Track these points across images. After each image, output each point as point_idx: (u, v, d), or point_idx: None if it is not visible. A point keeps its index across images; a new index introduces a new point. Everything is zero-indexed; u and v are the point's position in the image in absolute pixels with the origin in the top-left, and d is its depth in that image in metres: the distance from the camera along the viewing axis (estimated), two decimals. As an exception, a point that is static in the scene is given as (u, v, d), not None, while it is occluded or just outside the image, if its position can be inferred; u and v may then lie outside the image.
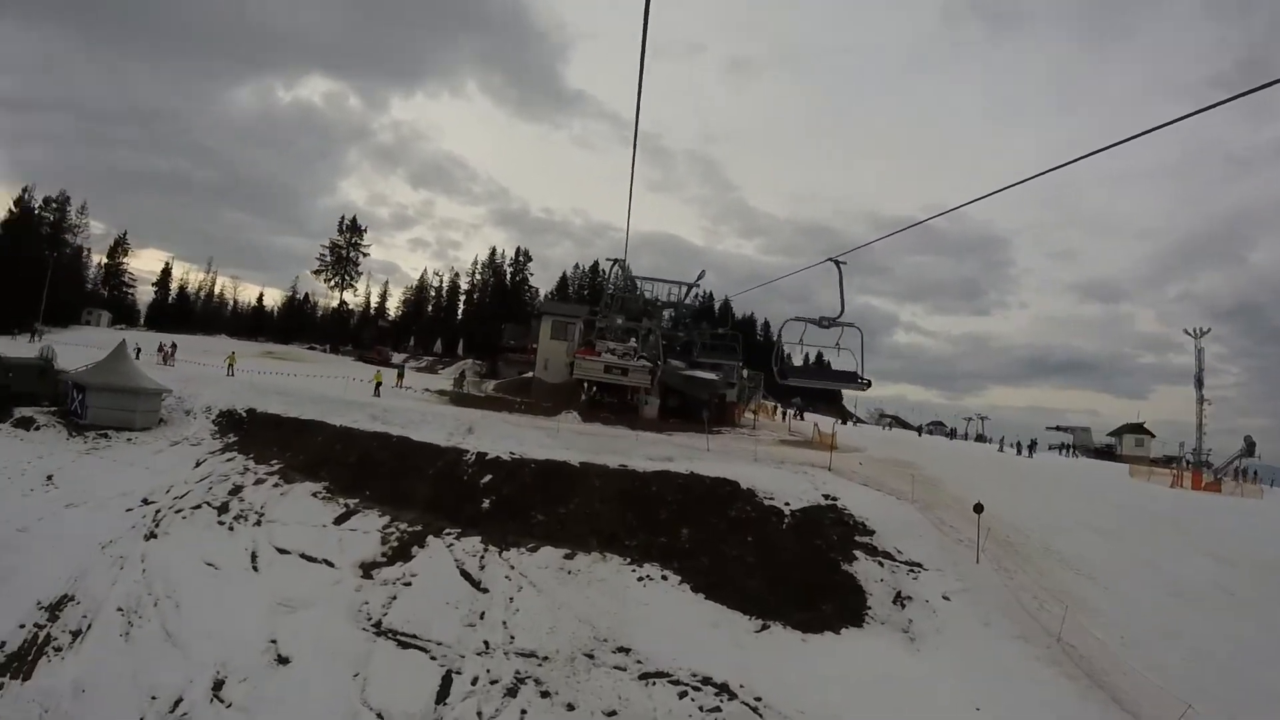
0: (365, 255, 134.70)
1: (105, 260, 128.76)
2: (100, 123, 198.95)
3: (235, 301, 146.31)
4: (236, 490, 34.00)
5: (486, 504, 32.28)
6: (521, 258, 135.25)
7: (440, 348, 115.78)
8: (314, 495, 33.46)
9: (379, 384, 55.78)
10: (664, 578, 27.58)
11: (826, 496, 32.27)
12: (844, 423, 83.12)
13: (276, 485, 34.69)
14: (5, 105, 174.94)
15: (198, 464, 37.91)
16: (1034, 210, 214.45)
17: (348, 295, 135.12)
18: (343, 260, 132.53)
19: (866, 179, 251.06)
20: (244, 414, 43.92)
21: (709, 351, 58.31)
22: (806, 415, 74.91)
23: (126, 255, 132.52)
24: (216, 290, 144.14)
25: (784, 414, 73.38)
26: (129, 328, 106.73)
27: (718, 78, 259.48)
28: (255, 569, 27.55)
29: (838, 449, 42.98)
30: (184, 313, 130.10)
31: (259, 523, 30.86)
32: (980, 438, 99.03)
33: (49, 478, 36.63)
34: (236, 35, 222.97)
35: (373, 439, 38.44)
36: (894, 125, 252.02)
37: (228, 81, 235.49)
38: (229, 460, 38.35)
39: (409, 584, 27.17)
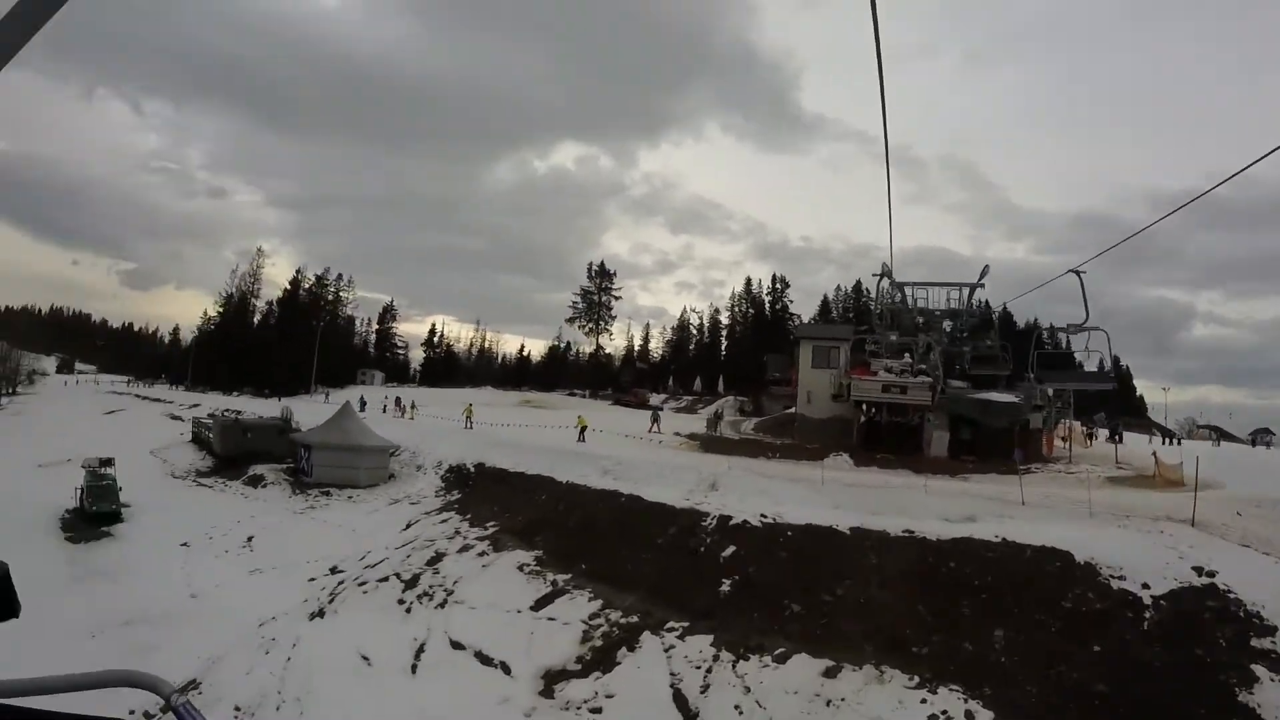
0: (617, 299, 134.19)
1: (377, 326, 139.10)
2: (376, 210, 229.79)
3: (502, 355, 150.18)
4: (436, 559, 30.09)
5: (726, 586, 24.03)
6: (779, 285, 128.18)
7: (700, 385, 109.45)
8: (520, 568, 28.05)
9: (583, 429, 50.99)
10: (970, 718, 18.08)
11: (1199, 571, 21.12)
12: (1166, 441, 69.30)
13: (482, 554, 30.09)
14: (292, 204, 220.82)
15: (408, 525, 35.75)
16: None
17: (605, 339, 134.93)
18: (595, 305, 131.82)
19: (1137, 155, 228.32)
20: (472, 469, 41.40)
21: (977, 364, 47.68)
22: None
23: (395, 320, 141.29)
24: (485, 345, 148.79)
25: (1090, 436, 61.41)
26: (400, 384, 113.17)
27: (955, 75, 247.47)
28: (413, 670, 22.69)
29: (1184, 484, 32.23)
30: (450, 368, 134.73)
31: (444, 603, 26.19)
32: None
33: (249, 539, 36.49)
34: (491, 119, 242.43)
35: (598, 499, 32.12)
36: (1152, 90, 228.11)
37: (487, 161, 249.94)
38: (442, 521, 35.44)
39: (598, 711, 20.13)
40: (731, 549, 25.54)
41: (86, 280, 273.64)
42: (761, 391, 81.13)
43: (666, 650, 21.49)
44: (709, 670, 20.46)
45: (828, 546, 24.36)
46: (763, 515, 26.65)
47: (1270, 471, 40.43)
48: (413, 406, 70.13)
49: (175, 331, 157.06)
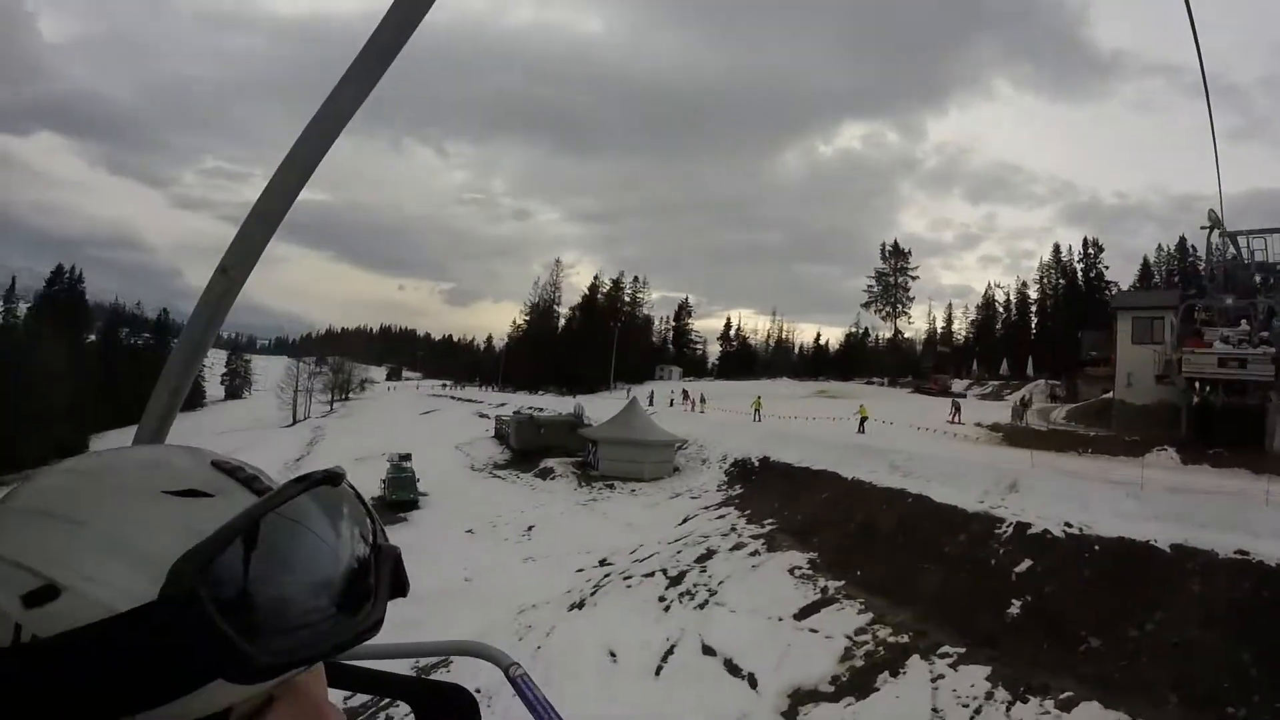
0: (914, 279, 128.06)
1: (673, 323, 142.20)
2: (670, 215, 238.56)
3: (799, 345, 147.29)
4: (706, 557, 29.24)
5: (1015, 609, 20.95)
6: (1091, 250, 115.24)
7: (1007, 369, 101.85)
8: (791, 571, 26.54)
9: (863, 419, 48.59)
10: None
11: None
12: None
13: (754, 554, 28.89)
14: (590, 218, 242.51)
15: (684, 520, 35.68)
16: None
17: (903, 323, 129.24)
18: (891, 288, 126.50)
19: None
20: (756, 464, 40.39)
21: None
22: None
23: (691, 317, 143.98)
24: (782, 336, 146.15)
25: None
26: (697, 379, 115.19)
27: None
28: (657, 672, 21.65)
29: None
30: (746, 360, 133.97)
31: (704, 604, 25.20)
32: None
33: (529, 528, 38.16)
34: (769, 111, 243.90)
35: (882, 499, 29.72)
36: None
37: (772, 153, 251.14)
38: (719, 517, 34.74)
39: (845, 741, 17.94)
40: (1026, 564, 22.37)
41: (412, 301, 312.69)
42: (1076, 373, 73.66)
43: (934, 680, 18.88)
44: (978, 711, 17.69)
45: (1141, 567, 20.59)
46: (1067, 525, 23.16)
47: None
48: (701, 400, 69.55)
49: (489, 339, 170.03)
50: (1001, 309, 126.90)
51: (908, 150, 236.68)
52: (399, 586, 0.85)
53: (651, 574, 28.17)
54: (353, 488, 0.84)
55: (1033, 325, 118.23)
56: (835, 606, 23.37)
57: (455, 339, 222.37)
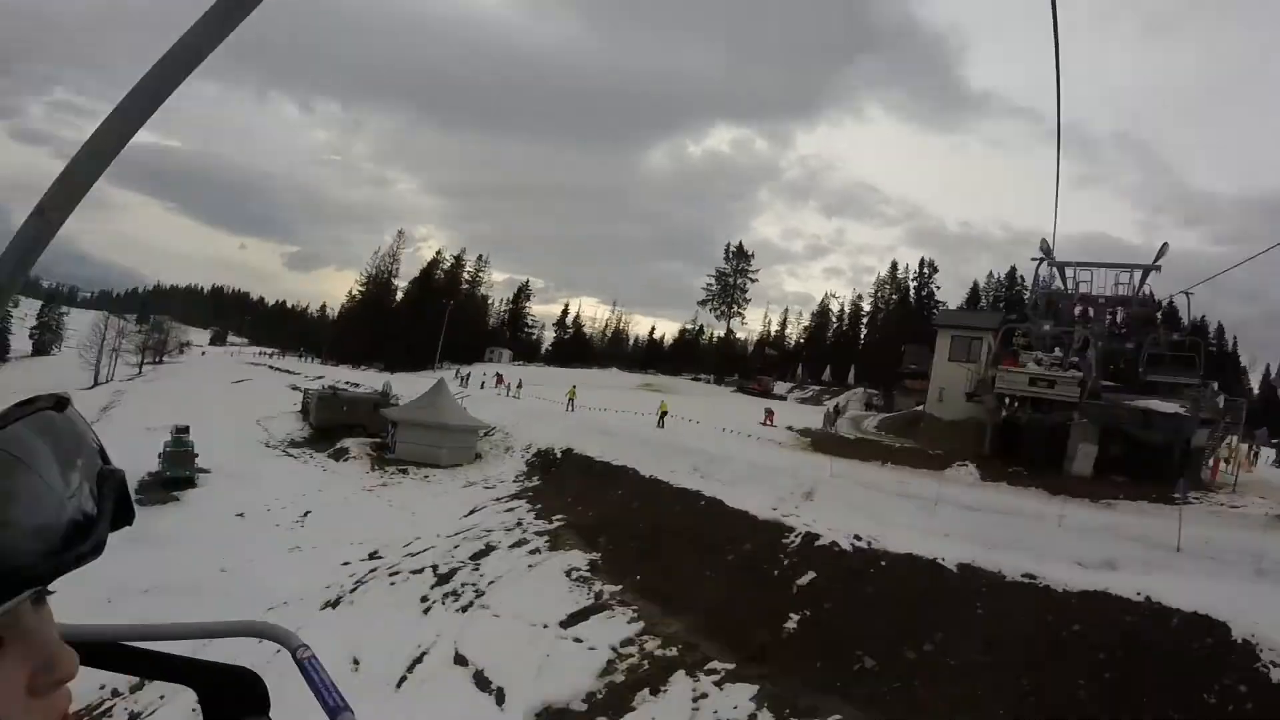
0: (753, 281, 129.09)
1: (510, 305, 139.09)
2: (536, 199, 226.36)
3: (635, 337, 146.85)
4: (483, 554, 26.92)
5: (793, 623, 19.30)
6: (926, 269, 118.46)
7: (830, 375, 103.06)
8: (569, 573, 24.40)
9: (664, 414, 47.55)
10: None
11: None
12: None
13: (534, 552, 26.72)
14: (452, 192, 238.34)
15: (471, 511, 33.38)
16: None
17: (737, 324, 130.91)
18: (729, 288, 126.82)
19: None
20: (559, 455, 38.77)
21: (1155, 367, 39.53)
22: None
23: (529, 300, 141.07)
24: (620, 327, 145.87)
25: (1255, 456, 52.70)
26: (528, 363, 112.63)
27: (1135, 46, 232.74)
28: (399, 684, 19.09)
29: None
30: (581, 349, 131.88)
31: (468, 607, 22.80)
32: None
33: (305, 514, 35.56)
34: (647, 105, 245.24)
35: (676, 499, 28.20)
36: None
37: (644, 148, 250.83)
38: (508, 510, 32.72)
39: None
40: (810, 575, 20.84)
41: (253, 262, 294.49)
42: (895, 385, 74.91)
43: (696, 700, 16.97)
44: (736, 736, 15.80)
45: (927, 586, 19.26)
46: (856, 537, 21.78)
47: None
48: (518, 385, 66.79)
49: (323, 308, 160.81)
50: (835, 318, 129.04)
51: (773, 159, 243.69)
52: (124, 514, 0.82)
53: (421, 570, 25.82)
54: (80, 415, 0.82)
55: (862, 336, 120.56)
56: (606, 614, 21.37)
57: (289, 305, 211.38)
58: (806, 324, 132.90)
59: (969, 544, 20.56)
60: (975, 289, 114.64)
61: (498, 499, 34.76)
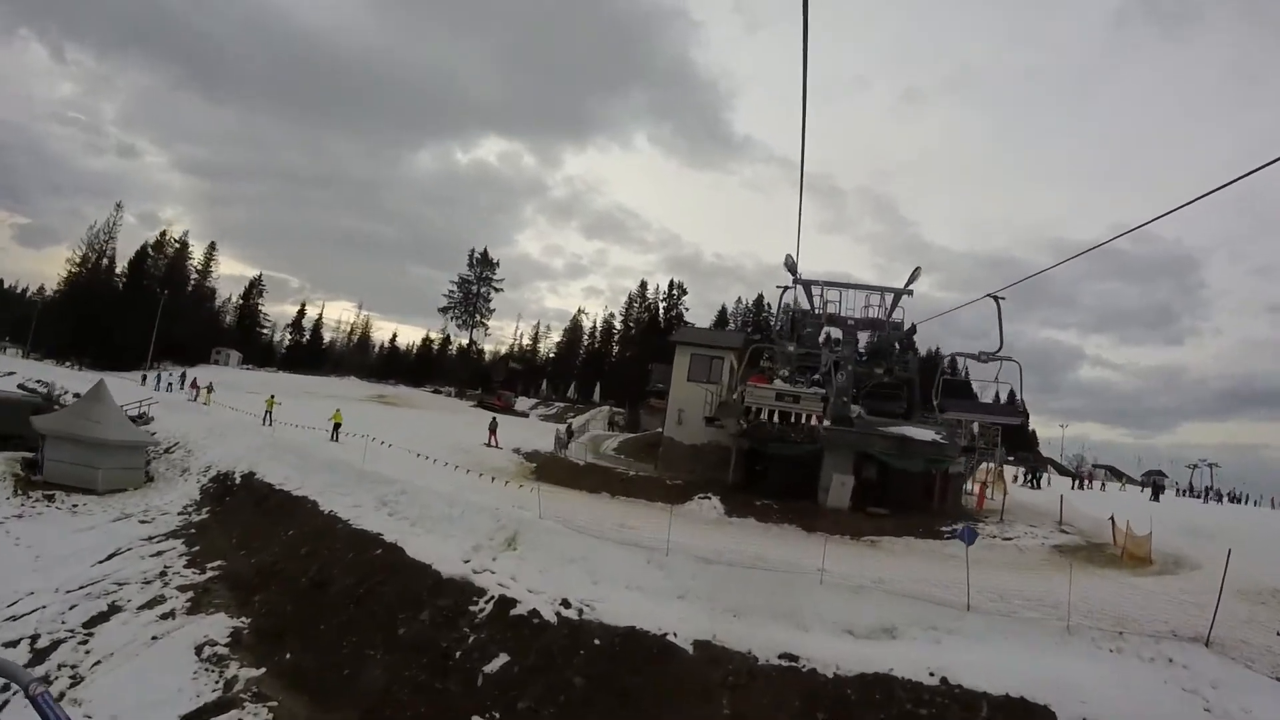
0: (497, 290, 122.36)
1: (240, 301, 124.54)
2: (292, 187, 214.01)
3: (380, 344, 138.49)
4: (104, 617, 20.83)
5: (476, 731, 14.01)
6: (676, 290, 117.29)
7: (575, 392, 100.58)
8: (201, 649, 18.62)
9: (337, 425, 42.00)
10: None
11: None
12: (1076, 484, 62.25)
13: (167, 616, 20.81)
14: (203, 171, 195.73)
15: (113, 555, 26.31)
16: (1226, 222, 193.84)
17: (480, 334, 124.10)
18: (472, 297, 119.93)
19: (1048, 204, 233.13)
20: (238, 480, 32.52)
21: (872, 398, 38.00)
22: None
23: (262, 297, 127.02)
24: (366, 332, 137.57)
25: (1030, 479, 53.53)
26: (257, 368, 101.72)
27: (889, 111, 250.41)
28: None
29: (1151, 560, 25.23)
30: (316, 353, 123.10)
31: (59, 698, 15.63)
32: (1234, 496, 73.42)
33: None
34: (418, 104, 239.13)
35: (349, 545, 22.68)
36: (1073, 144, 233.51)
37: (410, 147, 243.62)
38: (157, 554, 26.06)
39: None
40: (502, 659, 15.74)
41: None
42: (642, 404, 71.87)
43: None
44: None
45: (656, 675, 14.52)
46: (564, 603, 16.94)
47: (1249, 537, 30.91)
48: (209, 390, 58.23)
49: (40, 291, 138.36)
50: (587, 335, 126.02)
51: (540, 176, 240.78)
52: None
53: (14, 644, 19.34)
54: None
55: (613, 354, 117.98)
56: (234, 713, 15.74)
57: (6, 285, 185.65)
58: (558, 339, 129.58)
59: (710, 610, 16.20)
60: (723, 312, 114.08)
61: (150, 538, 28.03)
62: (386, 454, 34.34)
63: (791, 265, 37.59)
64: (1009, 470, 44.84)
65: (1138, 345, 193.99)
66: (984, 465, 37.00)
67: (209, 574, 23.56)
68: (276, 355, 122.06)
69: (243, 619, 20.07)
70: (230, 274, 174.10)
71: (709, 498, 29.78)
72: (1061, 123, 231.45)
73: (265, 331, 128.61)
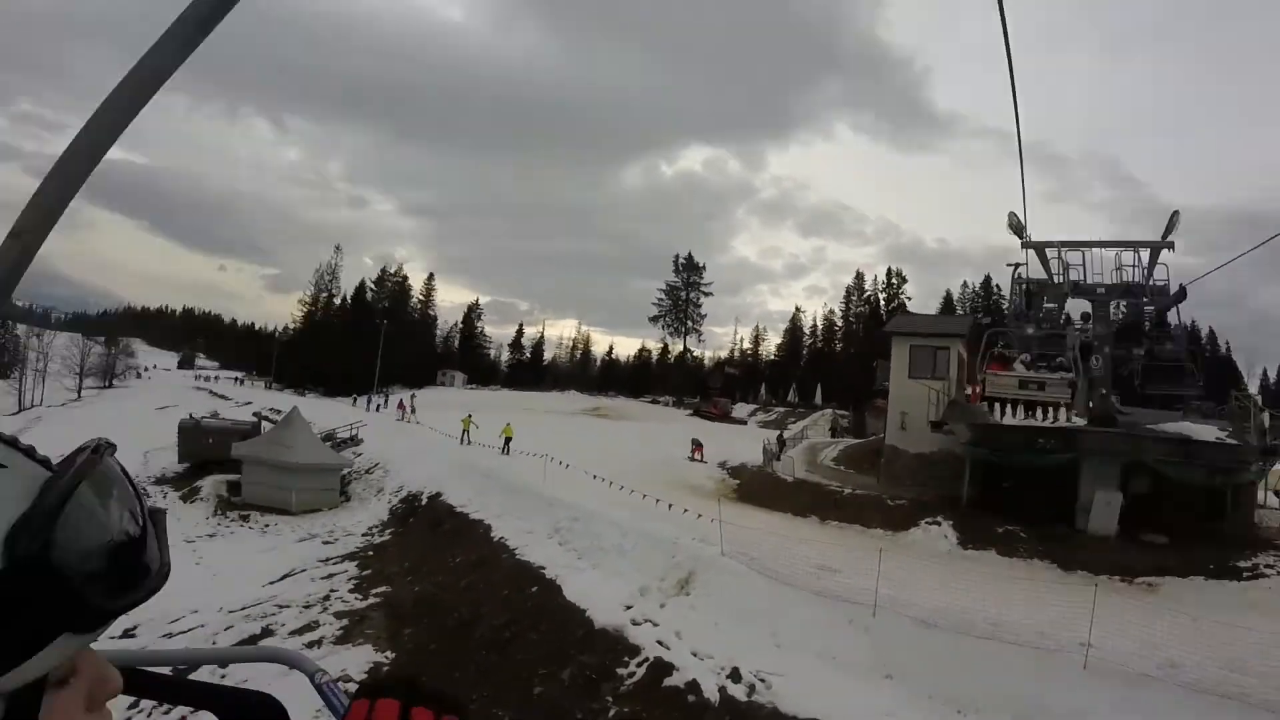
0: (707, 295, 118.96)
1: (461, 325, 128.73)
2: (508, 218, 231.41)
3: (598, 358, 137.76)
4: (251, 640, 19.55)
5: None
6: (895, 279, 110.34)
7: (795, 395, 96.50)
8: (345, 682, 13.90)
9: (508, 439, 41.32)
10: None
11: None
12: None
13: (312, 645, 19.13)
14: (426, 212, 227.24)
15: (286, 575, 25.65)
16: None
17: (698, 341, 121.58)
18: (682, 303, 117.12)
19: None
20: (425, 501, 31.54)
21: (1151, 379, 30.76)
22: None
23: (480, 320, 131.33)
24: (587, 347, 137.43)
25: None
26: (480, 387, 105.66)
27: (1096, 65, 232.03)
28: None
29: None
30: (537, 370, 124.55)
31: None
32: None
33: None
34: (619, 124, 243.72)
35: (508, 578, 20.38)
36: None
37: (616, 167, 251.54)
38: (328, 576, 25.01)
39: None
40: (650, 751, 12.05)
41: (231, 284, 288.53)
42: (867, 406, 66.08)
43: None
44: None
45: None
46: (733, 675, 13.25)
47: None
48: (413, 411, 59.21)
49: (282, 330, 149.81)
50: (809, 334, 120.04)
51: (747, 179, 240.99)
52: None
53: (155, 661, 17.28)
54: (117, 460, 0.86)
55: (836, 352, 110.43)
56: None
57: (257, 327, 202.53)
58: (779, 341, 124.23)
59: (927, 699, 12.15)
60: (949, 298, 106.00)
61: (327, 559, 27.13)
62: (573, 474, 31.52)
63: (1017, 225, 31.02)
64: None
65: None
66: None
67: (370, 600, 22.21)
68: (499, 374, 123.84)
69: (388, 654, 18.32)
70: (460, 302, 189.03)
71: (938, 523, 24.72)
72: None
73: (490, 351, 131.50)
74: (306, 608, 21.62)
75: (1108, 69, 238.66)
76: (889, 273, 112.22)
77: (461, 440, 43.36)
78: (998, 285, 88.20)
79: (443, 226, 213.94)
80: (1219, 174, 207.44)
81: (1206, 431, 25.10)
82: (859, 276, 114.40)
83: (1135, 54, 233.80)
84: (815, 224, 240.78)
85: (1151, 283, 29.45)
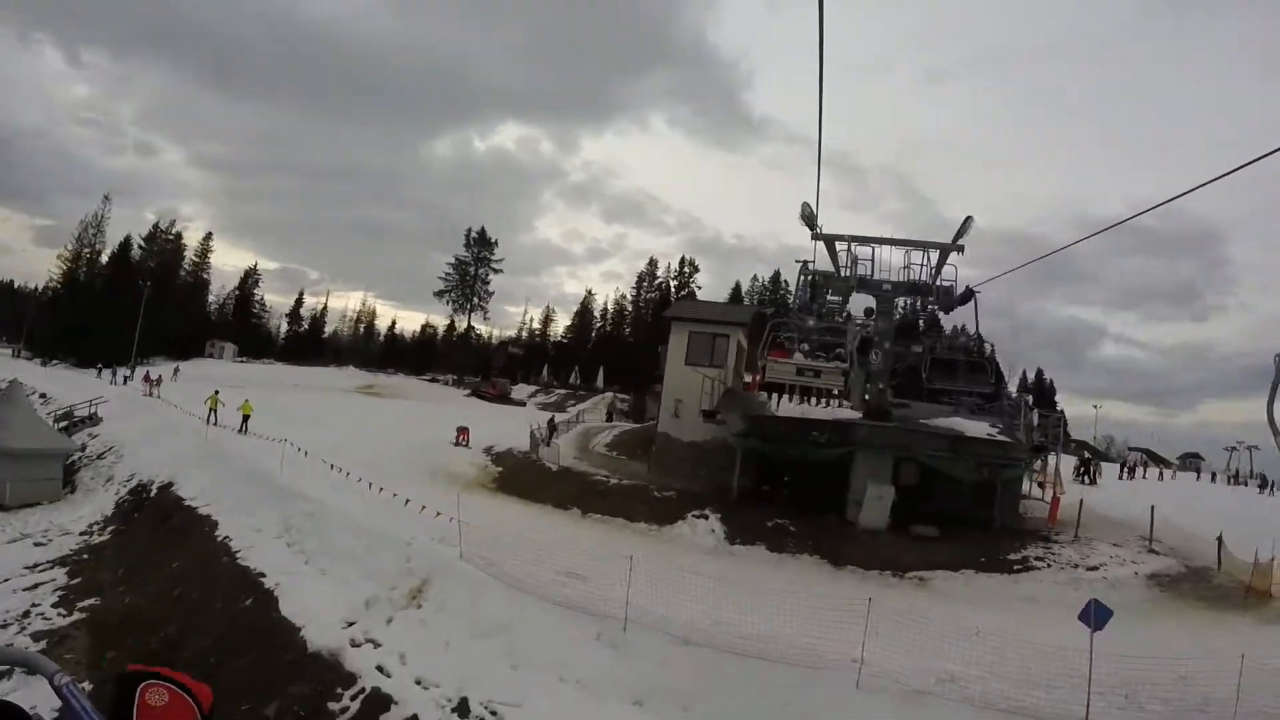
0: (496, 272, 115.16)
1: (236, 292, 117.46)
2: (315, 179, 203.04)
3: (383, 333, 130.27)
4: None
5: None
6: (687, 268, 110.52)
7: (579, 378, 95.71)
8: None
9: (246, 417, 38.06)
10: None
11: None
12: (1126, 474, 53.34)
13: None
14: (219, 166, 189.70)
15: None
16: (1252, 196, 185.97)
17: (483, 319, 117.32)
18: (469, 279, 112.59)
19: (1070, 181, 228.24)
20: (154, 493, 27.06)
21: (941, 374, 32.17)
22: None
23: (258, 287, 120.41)
24: (373, 321, 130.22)
25: (1083, 474, 42.16)
26: (252, 360, 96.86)
27: (910, 91, 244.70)
28: None
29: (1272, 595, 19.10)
30: (316, 343, 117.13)
31: None
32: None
33: None
34: (437, 92, 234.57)
35: (224, 588, 17.46)
36: (1095, 120, 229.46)
37: (429, 136, 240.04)
38: (29, 589, 20.81)
39: None
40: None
41: None
42: (647, 391, 65.65)
43: None
44: None
45: None
46: (460, 707, 11.33)
47: None
48: (158, 384, 53.20)
49: (42, 290, 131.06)
50: (599, 318, 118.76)
51: (559, 161, 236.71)
52: None
53: None
54: None
55: (626, 337, 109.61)
56: None
57: (16, 285, 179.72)
58: (569, 323, 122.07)
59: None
60: (737, 289, 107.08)
61: (35, 565, 22.74)
62: (316, 461, 28.58)
63: (810, 216, 30.46)
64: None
65: (1163, 322, 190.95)
66: (1041, 463, 30.02)
67: (75, 617, 18.86)
68: (276, 347, 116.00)
69: (85, 685, 14.49)
70: (245, 266, 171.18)
71: (706, 516, 23.49)
72: (1083, 99, 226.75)
73: (269, 322, 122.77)
74: (3, 627, 18.17)
75: (923, 96, 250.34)
76: (682, 261, 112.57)
77: (208, 420, 38.86)
78: (785, 280, 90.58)
79: (236, 183, 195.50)
80: (1001, 197, 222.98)
81: (978, 428, 25.33)
82: (652, 263, 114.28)
83: (949, 85, 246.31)
84: (620, 211, 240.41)
85: (939, 283, 29.13)
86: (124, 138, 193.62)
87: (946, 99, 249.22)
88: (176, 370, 68.82)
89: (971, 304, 29.60)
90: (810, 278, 31.29)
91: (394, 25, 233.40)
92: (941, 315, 32.31)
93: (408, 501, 21.23)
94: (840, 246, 29.40)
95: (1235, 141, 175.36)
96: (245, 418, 37.72)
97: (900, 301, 29.33)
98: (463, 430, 37.29)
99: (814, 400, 27.52)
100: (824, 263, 30.80)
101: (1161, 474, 60.15)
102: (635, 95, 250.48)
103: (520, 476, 30.26)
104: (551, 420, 40.27)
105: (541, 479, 29.48)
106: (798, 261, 32.26)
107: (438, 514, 19.34)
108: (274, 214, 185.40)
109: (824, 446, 24.44)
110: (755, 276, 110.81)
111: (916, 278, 28.77)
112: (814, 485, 24.82)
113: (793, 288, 39.53)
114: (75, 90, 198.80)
